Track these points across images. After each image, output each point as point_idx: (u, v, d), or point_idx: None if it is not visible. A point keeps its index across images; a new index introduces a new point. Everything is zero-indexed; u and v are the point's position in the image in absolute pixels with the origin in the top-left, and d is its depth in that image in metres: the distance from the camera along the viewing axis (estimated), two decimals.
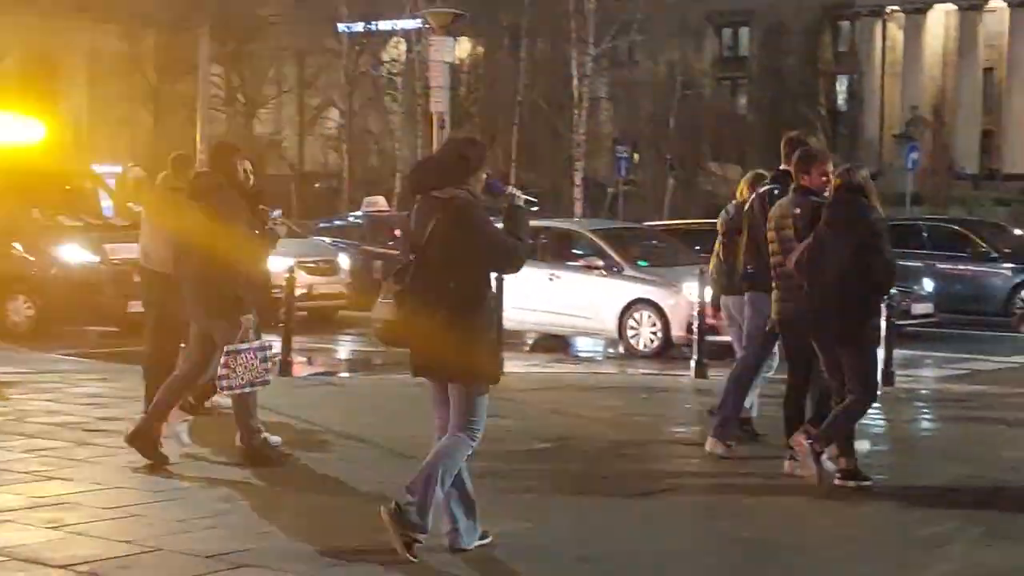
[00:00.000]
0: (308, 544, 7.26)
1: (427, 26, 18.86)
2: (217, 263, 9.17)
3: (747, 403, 10.55)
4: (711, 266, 11.04)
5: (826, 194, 9.01)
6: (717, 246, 10.83)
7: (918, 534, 7.80)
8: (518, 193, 6.99)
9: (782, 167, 9.96)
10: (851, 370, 8.78)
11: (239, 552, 7.01)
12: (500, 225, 6.93)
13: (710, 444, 10.10)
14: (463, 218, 6.72)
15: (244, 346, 9.29)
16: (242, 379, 9.31)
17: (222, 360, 9.31)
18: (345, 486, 8.93)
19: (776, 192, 9.75)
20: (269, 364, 9.77)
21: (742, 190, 10.63)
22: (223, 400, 11.69)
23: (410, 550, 6.74)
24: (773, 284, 9.38)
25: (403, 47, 50.79)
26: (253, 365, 9.35)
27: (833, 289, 8.64)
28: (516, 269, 6.95)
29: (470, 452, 6.98)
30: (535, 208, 7.11)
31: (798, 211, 9.12)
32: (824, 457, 8.69)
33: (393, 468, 9.46)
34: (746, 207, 10.24)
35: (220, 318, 9.32)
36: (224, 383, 9.34)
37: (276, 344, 9.69)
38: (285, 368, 14.37)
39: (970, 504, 8.58)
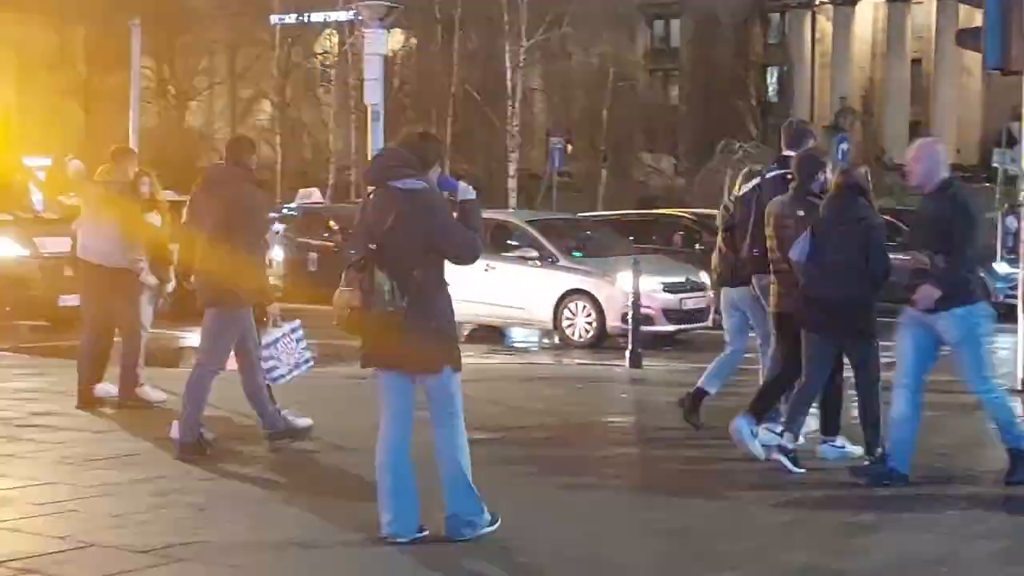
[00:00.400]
0: (244, 537, 7.26)
1: (360, 18, 18.82)
2: (223, 253, 9.23)
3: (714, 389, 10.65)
4: (713, 260, 11.01)
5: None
6: (719, 241, 10.78)
7: (850, 521, 7.91)
8: (469, 187, 7.19)
9: (784, 152, 10.05)
10: (861, 359, 9.26)
11: (175, 546, 7.00)
12: None
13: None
14: (426, 209, 6.90)
15: (278, 332, 9.47)
16: (288, 365, 9.51)
17: (263, 354, 9.44)
18: (281, 480, 8.93)
19: (790, 176, 9.70)
20: (304, 342, 9.86)
21: (739, 185, 10.61)
22: (156, 395, 11.67)
23: None
24: (773, 278, 9.58)
25: (336, 39, 50.62)
26: (291, 348, 9.54)
27: (839, 285, 8.96)
28: (474, 260, 7.14)
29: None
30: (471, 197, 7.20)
31: (801, 213, 9.31)
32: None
33: (331, 461, 9.48)
34: (756, 193, 10.11)
35: (213, 305, 9.41)
36: (275, 374, 9.51)
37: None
38: None
39: (901, 491, 8.71)
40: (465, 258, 7.11)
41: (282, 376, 9.69)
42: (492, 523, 7.23)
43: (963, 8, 51.50)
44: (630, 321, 15.30)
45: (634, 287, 15.19)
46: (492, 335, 19.30)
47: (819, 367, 9.21)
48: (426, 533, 7.14)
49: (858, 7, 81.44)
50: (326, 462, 9.45)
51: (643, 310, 15.87)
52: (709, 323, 18.29)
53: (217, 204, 9.44)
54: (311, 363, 9.98)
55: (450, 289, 7.13)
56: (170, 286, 11.66)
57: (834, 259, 8.98)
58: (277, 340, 9.56)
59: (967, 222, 8.59)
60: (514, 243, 19.38)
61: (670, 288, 18.30)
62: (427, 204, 6.93)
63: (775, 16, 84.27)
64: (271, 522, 7.62)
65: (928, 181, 8.68)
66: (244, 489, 8.60)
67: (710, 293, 18.40)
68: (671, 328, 18.39)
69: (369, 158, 13.93)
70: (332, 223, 25.68)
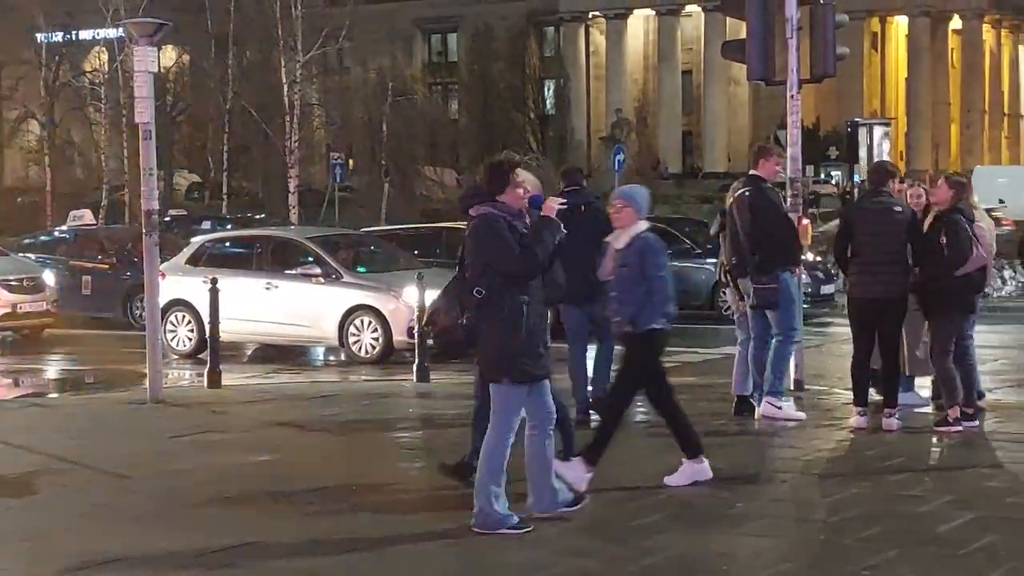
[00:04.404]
0: (12, 570, 7.03)
1: (128, 36, 18.35)
2: None
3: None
4: (723, 259, 12.10)
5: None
6: (724, 244, 11.92)
7: (632, 524, 8.05)
8: (553, 206, 7.87)
9: (751, 172, 11.66)
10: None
11: None
12: None
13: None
14: (475, 233, 7.80)
15: None
16: None
17: None
18: (58, 508, 8.66)
19: (748, 193, 11.39)
20: None
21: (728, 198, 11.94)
22: None
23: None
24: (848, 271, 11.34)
25: (106, 56, 49.44)
26: None
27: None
28: (526, 275, 7.72)
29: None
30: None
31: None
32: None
33: (107, 488, 9.24)
34: (728, 209, 11.68)
35: None
36: None
37: None
38: None
39: (680, 496, 8.91)
40: (518, 275, 7.70)
41: None
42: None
43: (730, 20, 53.03)
44: (416, 335, 15.29)
45: (419, 301, 15.20)
46: (276, 354, 19.06)
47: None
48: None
49: (630, 20, 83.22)
50: (102, 490, 9.21)
51: (439, 324, 15.83)
52: None
53: None
54: None
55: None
56: None
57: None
58: None
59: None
60: (296, 260, 19.18)
61: None
62: (475, 228, 7.78)
63: (550, 30, 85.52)
64: (44, 555, 7.39)
65: None
66: (13, 519, 8.32)
67: None
68: None
69: (142, 178, 13.64)
70: (106, 244, 25.07)
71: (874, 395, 11.53)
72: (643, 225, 8.98)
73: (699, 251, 23.69)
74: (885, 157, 37.20)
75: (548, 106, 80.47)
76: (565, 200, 8.15)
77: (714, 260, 12.83)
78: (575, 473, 8.69)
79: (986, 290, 12.40)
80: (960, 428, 11.05)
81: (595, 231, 10.27)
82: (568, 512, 8.10)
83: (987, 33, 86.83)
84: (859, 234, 11.17)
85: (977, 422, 11.29)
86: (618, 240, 9.00)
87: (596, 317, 11.06)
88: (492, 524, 7.72)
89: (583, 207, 10.97)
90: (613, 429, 9.13)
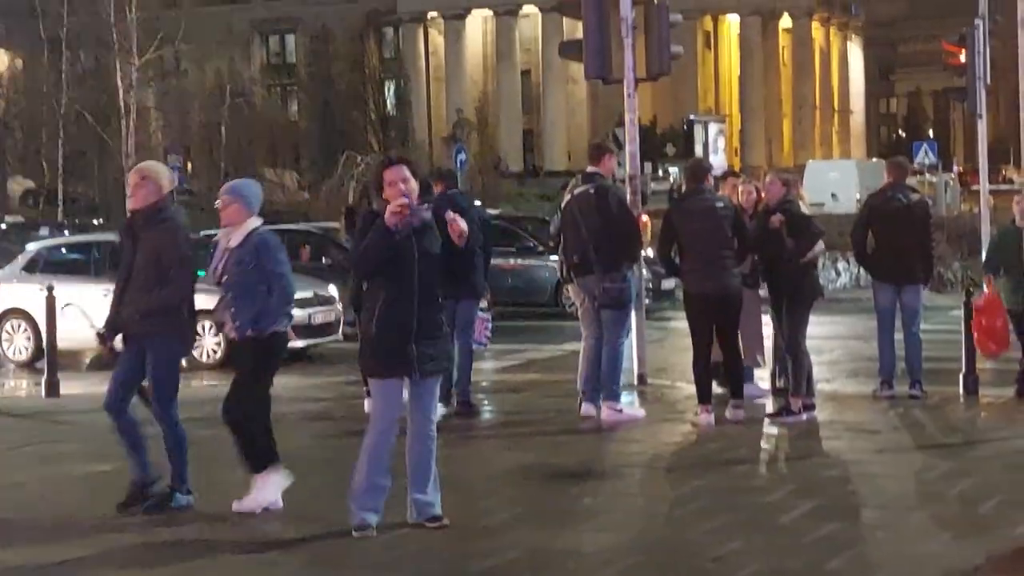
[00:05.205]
0: None
1: None
2: None
3: None
4: (563, 257, 12.07)
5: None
6: (565, 242, 11.87)
7: (481, 524, 8.09)
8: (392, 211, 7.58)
9: (591, 169, 11.73)
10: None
11: None
12: None
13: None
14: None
15: None
16: None
17: None
18: None
19: (593, 191, 11.50)
20: None
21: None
22: None
23: None
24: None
25: None
26: None
27: None
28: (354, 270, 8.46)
29: None
30: None
31: None
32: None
33: None
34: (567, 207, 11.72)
35: None
36: None
37: None
38: None
39: (531, 491, 8.97)
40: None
41: None
42: None
43: (567, 21, 53.49)
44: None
45: None
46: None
47: None
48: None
49: (468, 21, 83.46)
50: None
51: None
52: (340, 336, 18.31)
53: None
54: None
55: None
56: None
57: None
58: None
59: None
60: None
61: (299, 303, 18.15)
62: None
63: (389, 30, 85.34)
64: None
65: None
66: None
67: (339, 307, 18.42)
68: (301, 343, 18.29)
69: None
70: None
71: (715, 388, 11.74)
72: (256, 221, 8.46)
73: (541, 249, 23.85)
74: (720, 153, 37.99)
75: (389, 107, 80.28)
76: (426, 204, 7.86)
77: (556, 258, 12.99)
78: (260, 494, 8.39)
79: (821, 282, 12.74)
80: (804, 417, 11.33)
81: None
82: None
83: (816, 31, 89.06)
84: (685, 233, 11.29)
85: (816, 412, 11.57)
86: (230, 238, 8.41)
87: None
88: (355, 525, 7.69)
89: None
90: (264, 440, 8.47)
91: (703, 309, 11.37)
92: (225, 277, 8.35)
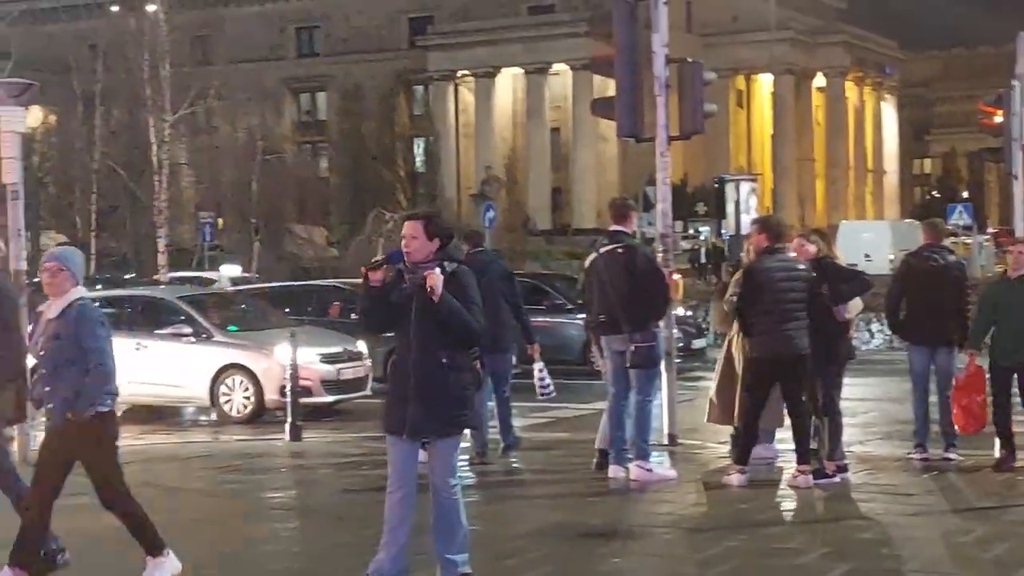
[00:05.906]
0: None
1: None
2: None
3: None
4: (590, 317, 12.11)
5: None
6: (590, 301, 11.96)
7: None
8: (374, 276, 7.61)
9: (616, 228, 11.72)
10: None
11: None
12: None
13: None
14: None
15: None
16: None
17: None
18: None
19: (621, 251, 11.47)
20: None
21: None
22: None
23: None
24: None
25: None
26: None
27: None
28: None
29: None
30: None
31: None
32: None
33: None
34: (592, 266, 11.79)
35: None
36: None
37: None
38: None
39: (559, 550, 8.89)
40: None
41: None
42: None
43: (597, 79, 53.73)
44: (288, 393, 15.13)
45: (292, 359, 15.05)
46: (147, 415, 18.73)
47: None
48: None
49: (498, 79, 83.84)
50: None
51: (301, 382, 15.73)
52: (368, 392, 18.29)
53: None
54: None
55: None
56: None
57: None
58: None
59: None
60: (166, 320, 18.89)
61: (328, 359, 18.22)
62: None
63: (419, 88, 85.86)
64: None
65: None
66: None
67: (367, 362, 18.41)
68: (330, 399, 18.30)
69: (10, 239, 13.37)
70: None
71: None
72: (80, 291, 7.91)
73: (570, 307, 23.79)
74: (752, 212, 37.84)
75: (418, 163, 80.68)
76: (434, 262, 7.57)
77: (584, 315, 12.99)
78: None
79: (854, 343, 12.61)
80: (838, 479, 11.24)
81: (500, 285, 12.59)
82: None
83: (850, 91, 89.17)
84: (765, 294, 10.88)
85: (849, 474, 11.47)
86: (50, 309, 7.87)
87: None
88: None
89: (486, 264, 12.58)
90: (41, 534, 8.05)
91: (771, 372, 11.05)
92: (42, 352, 7.89)
